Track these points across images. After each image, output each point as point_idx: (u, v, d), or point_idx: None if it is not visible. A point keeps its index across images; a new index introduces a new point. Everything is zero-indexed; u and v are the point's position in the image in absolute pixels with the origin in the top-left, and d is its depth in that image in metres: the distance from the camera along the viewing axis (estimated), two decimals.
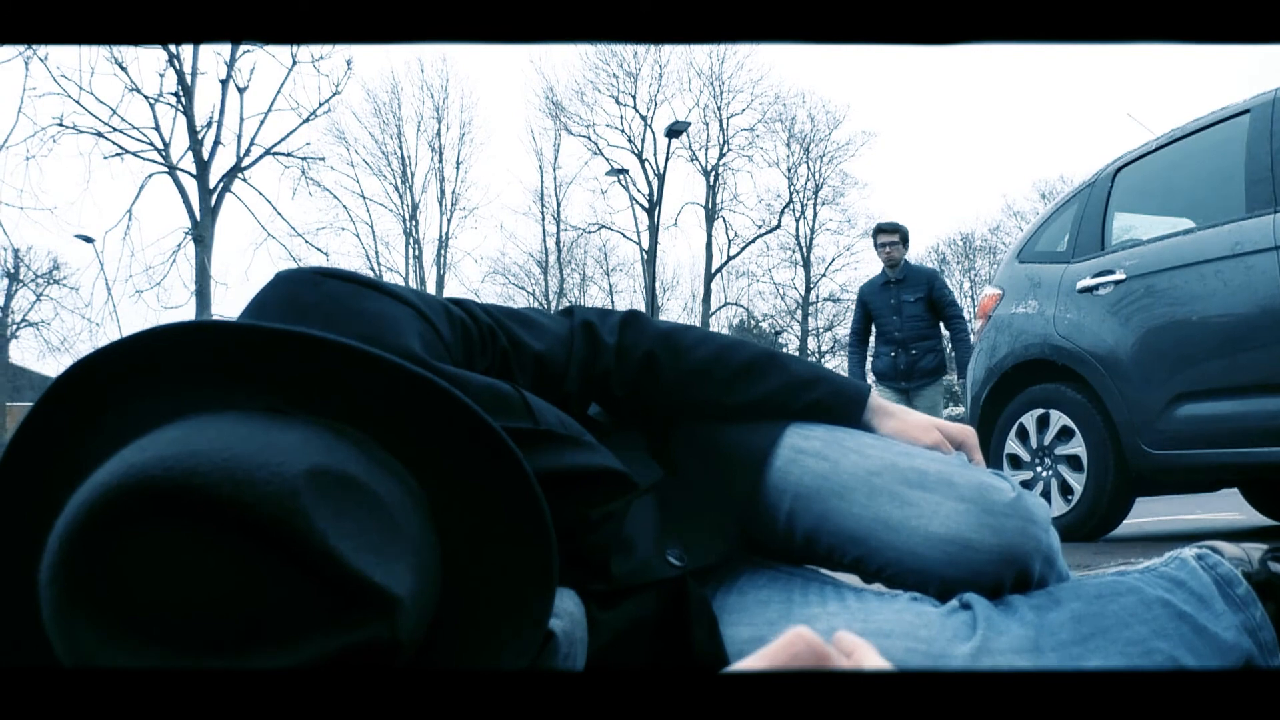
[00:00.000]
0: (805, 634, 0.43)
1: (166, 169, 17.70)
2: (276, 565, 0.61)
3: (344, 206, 24.30)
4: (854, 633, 1.02)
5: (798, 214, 26.46)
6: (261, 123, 18.42)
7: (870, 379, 5.91)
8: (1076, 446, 3.86)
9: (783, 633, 1.03)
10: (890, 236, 5.95)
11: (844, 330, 27.34)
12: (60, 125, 16.27)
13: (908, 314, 5.90)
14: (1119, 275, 3.73)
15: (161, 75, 17.73)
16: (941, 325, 6.04)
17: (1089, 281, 3.85)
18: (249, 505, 0.60)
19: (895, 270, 5.95)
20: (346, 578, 0.62)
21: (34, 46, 12.84)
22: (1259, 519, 4.77)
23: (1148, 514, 5.82)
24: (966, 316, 6.14)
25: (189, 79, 17.69)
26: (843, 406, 1.15)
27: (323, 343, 0.70)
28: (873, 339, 6.16)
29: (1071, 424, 3.88)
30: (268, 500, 0.61)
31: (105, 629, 0.60)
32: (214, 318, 16.84)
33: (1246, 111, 3.54)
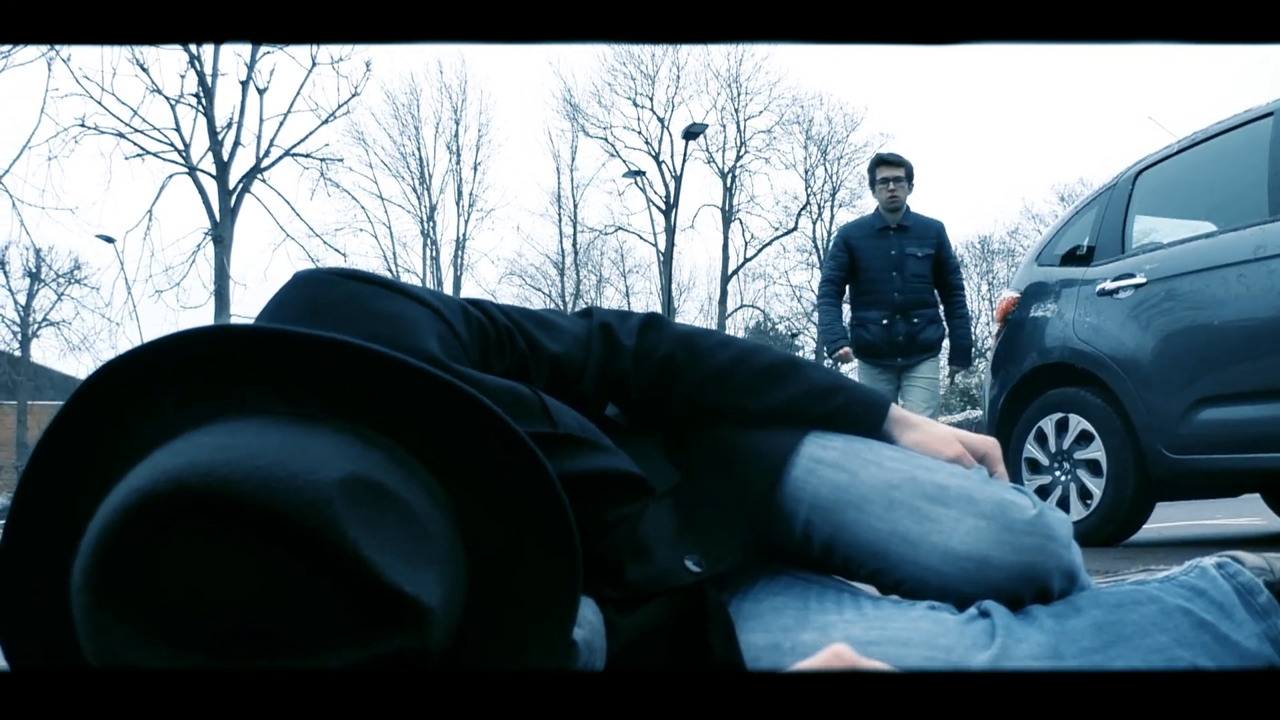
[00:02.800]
0: (845, 653, 0.43)
1: (187, 170, 17.83)
2: (309, 574, 0.61)
3: (362, 207, 24.44)
4: (871, 641, 1.02)
5: (815, 216, 26.39)
6: (281, 124, 18.57)
7: (845, 358, 4.72)
8: (1096, 451, 3.83)
9: (800, 639, 1.02)
10: (894, 170, 4.64)
11: None
12: (82, 126, 16.44)
13: (912, 272, 4.60)
14: (1139, 279, 3.70)
15: (182, 76, 17.90)
16: (937, 293, 4.79)
17: (1109, 285, 3.83)
18: (283, 514, 0.61)
19: (896, 215, 4.65)
20: (378, 588, 0.63)
21: (57, 47, 12.94)
22: (1277, 523, 4.72)
23: (1168, 519, 5.78)
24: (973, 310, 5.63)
25: (209, 80, 17.83)
26: (863, 416, 1.14)
27: (352, 348, 0.70)
28: (847, 302, 4.87)
29: (1091, 428, 3.85)
30: (301, 509, 0.61)
31: (137, 633, 0.61)
32: (234, 319, 16.95)
33: (1270, 114, 3.51)
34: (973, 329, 4.79)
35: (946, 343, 4.89)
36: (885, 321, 4.60)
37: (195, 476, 0.61)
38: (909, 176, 4.69)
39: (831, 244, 4.81)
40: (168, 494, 0.61)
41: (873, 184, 4.76)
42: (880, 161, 4.78)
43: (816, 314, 4.93)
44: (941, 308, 4.77)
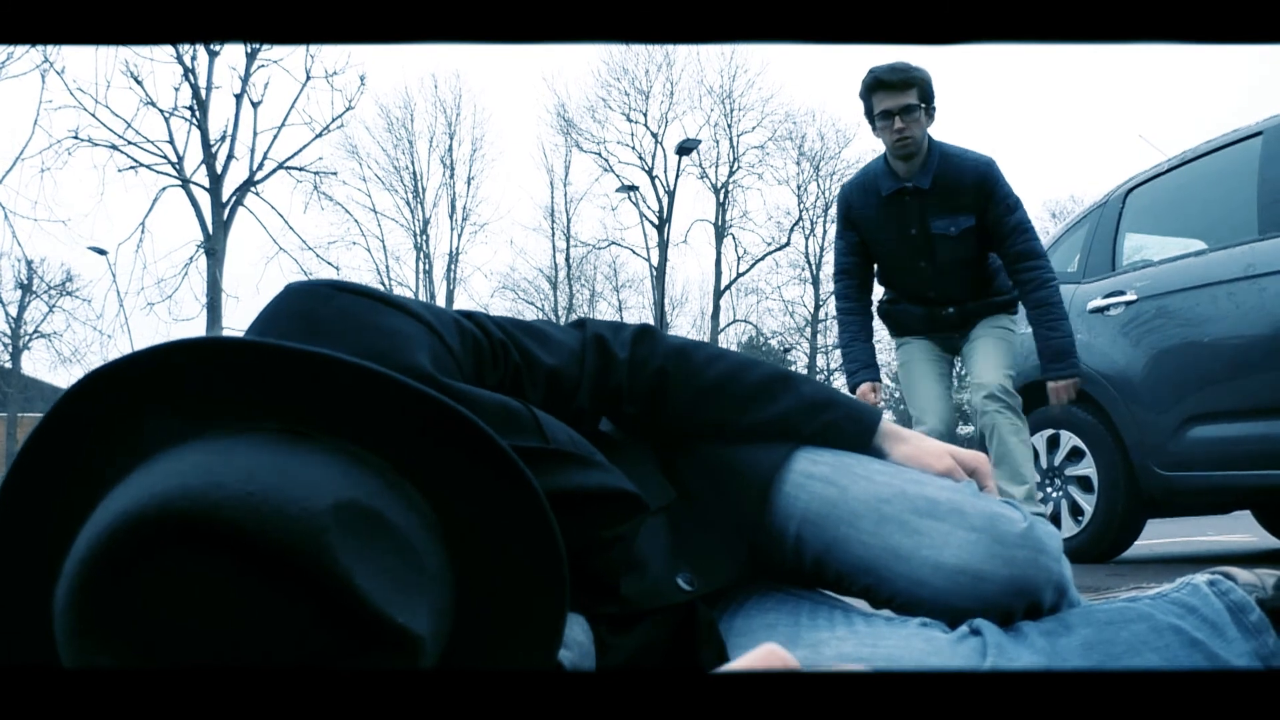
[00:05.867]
0: (779, 652, 0.43)
1: (180, 182, 17.79)
2: (300, 603, 0.60)
3: (355, 221, 24.42)
4: (862, 658, 1.02)
5: (807, 231, 26.46)
6: (275, 137, 18.53)
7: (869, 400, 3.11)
8: (1087, 468, 3.84)
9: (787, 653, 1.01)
10: (899, 97, 2.83)
11: None
12: (75, 138, 16.40)
13: (946, 259, 2.93)
14: (1130, 296, 3.71)
15: (176, 89, 17.86)
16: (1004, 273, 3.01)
17: (1100, 302, 3.84)
18: (275, 541, 0.60)
19: (912, 166, 2.88)
20: (370, 618, 0.62)
21: (50, 59, 12.94)
22: (1271, 541, 4.73)
23: (1159, 536, 5.78)
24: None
25: (204, 93, 17.82)
26: (854, 431, 1.14)
27: (344, 365, 0.69)
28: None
29: (1082, 445, 3.86)
30: (294, 537, 0.60)
31: (122, 659, 0.60)
32: (226, 331, 16.86)
33: (1259, 134, 3.54)
34: (1068, 322, 2.97)
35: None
36: (922, 311, 3.12)
37: (185, 501, 0.60)
38: (925, 99, 2.86)
39: (836, 212, 3.15)
40: (155, 518, 0.60)
41: (871, 120, 2.92)
42: (876, 84, 2.86)
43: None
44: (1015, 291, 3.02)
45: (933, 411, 3.13)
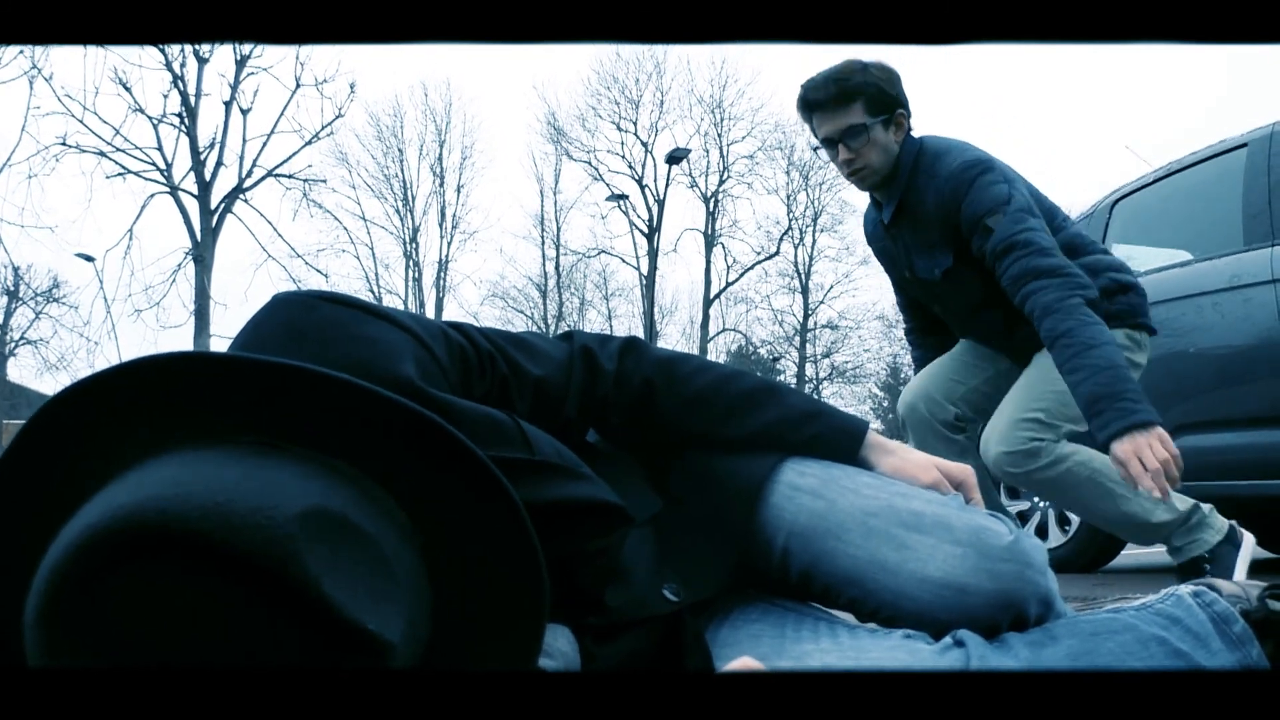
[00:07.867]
0: (753, 665, 0.43)
1: (168, 189, 17.77)
2: (269, 612, 0.60)
3: (344, 228, 24.36)
4: (846, 671, 1.02)
5: (796, 241, 26.53)
6: (264, 144, 18.55)
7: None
8: None
9: (776, 667, 1.02)
10: (839, 118, 2.13)
11: (841, 357, 27.36)
12: (63, 144, 16.37)
13: (952, 304, 2.30)
14: None
15: (165, 96, 17.86)
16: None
17: None
18: (242, 550, 0.60)
19: (886, 191, 2.22)
20: (340, 625, 0.62)
21: (38, 64, 12.89)
22: (1256, 552, 4.76)
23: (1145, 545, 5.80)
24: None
25: (193, 100, 17.80)
26: (840, 442, 1.15)
27: (317, 377, 0.69)
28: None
29: None
30: (262, 545, 0.60)
31: None
32: (214, 339, 16.79)
33: (1244, 145, 3.56)
34: (1106, 349, 1.90)
35: None
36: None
37: (153, 512, 0.60)
38: (881, 108, 2.14)
39: None
40: (121, 530, 0.60)
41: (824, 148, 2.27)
42: (805, 105, 2.18)
43: None
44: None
45: (913, 387, 2.39)
